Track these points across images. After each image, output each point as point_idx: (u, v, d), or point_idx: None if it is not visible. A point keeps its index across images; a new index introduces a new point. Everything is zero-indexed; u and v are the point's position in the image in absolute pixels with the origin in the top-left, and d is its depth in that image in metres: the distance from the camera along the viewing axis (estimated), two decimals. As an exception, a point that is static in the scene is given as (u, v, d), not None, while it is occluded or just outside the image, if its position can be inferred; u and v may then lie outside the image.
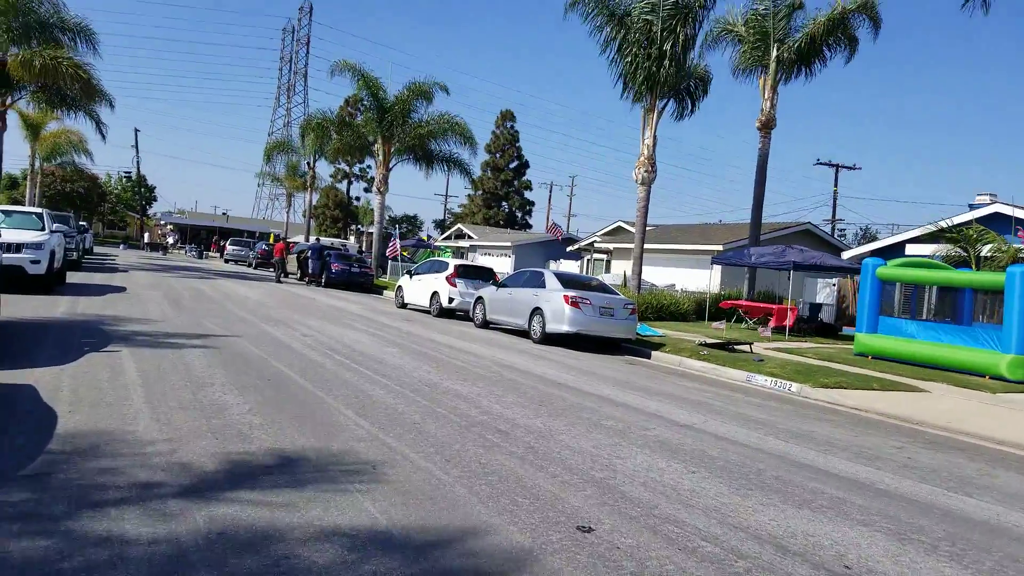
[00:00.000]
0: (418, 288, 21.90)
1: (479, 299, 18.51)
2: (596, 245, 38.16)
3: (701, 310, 23.72)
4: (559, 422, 7.23)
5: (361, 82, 35.31)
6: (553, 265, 48.69)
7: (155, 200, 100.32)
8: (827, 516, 4.84)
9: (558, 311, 15.13)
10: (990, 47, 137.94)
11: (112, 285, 20.17)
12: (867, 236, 53.97)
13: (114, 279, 22.79)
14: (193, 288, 21.76)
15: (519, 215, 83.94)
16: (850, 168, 52.60)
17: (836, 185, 52.02)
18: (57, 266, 18.23)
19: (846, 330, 22.51)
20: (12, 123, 44.47)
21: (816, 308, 22.49)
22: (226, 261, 51.03)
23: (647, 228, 28.08)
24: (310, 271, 32.30)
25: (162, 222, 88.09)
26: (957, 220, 21.09)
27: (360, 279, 30.97)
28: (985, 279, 14.32)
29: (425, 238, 71.67)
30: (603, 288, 16.69)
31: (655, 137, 23.57)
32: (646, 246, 32.89)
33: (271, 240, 60.89)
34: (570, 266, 46.24)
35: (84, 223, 44.59)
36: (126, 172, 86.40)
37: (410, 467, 5.17)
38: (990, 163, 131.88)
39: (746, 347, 15.22)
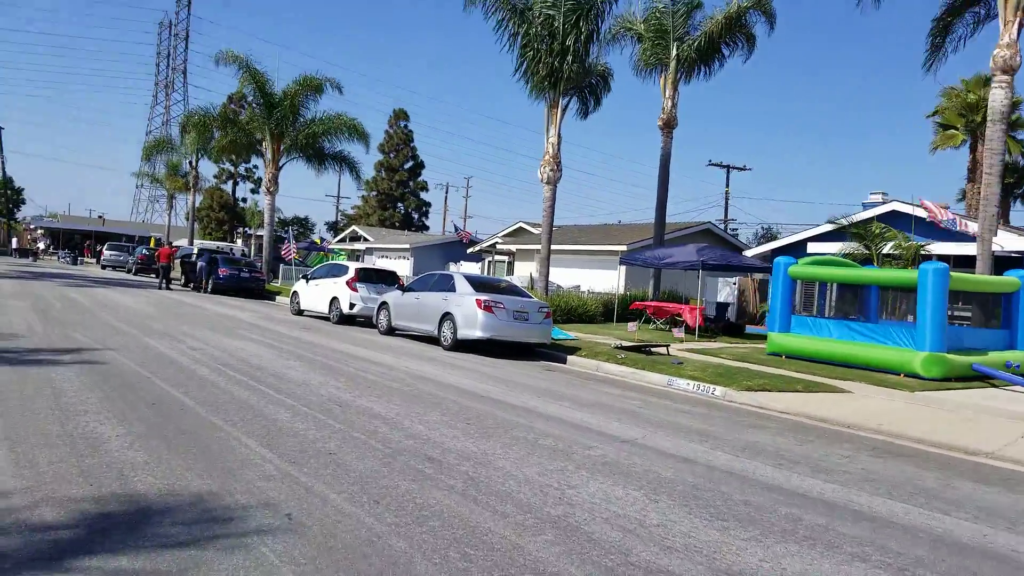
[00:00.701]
0: (316, 293, 20.66)
1: (383, 304, 17.53)
2: (499, 246, 37.64)
3: (609, 311, 23.52)
4: (494, 444, 6.50)
5: (247, 75, 33.40)
6: (453, 267, 47.86)
7: (23, 203, 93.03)
8: (818, 551, 4.33)
9: (470, 316, 14.39)
10: (877, 48, 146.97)
11: (-34, 296, 17.97)
12: (767, 235, 55.90)
13: (-31, 289, 20.41)
14: (65, 297, 19.73)
15: (416, 216, 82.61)
16: (740, 169, 54.37)
17: (728, 185, 53.65)
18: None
19: (750, 328, 22.85)
20: None
21: (723, 307, 22.72)
22: (103, 267, 47.46)
23: (558, 227, 27.99)
24: (197, 277, 30.25)
25: (32, 226, 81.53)
26: (857, 218, 21.72)
27: (250, 284, 29.21)
28: (899, 277, 14.59)
29: (318, 241, 69.27)
30: (515, 291, 16.08)
31: (559, 135, 23.19)
32: (552, 246, 32.72)
33: (152, 244, 57.33)
34: (471, 268, 45.56)
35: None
36: (-12, 172, 79.51)
37: (333, 513, 4.32)
38: (878, 163, 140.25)
39: (662, 349, 14.95)
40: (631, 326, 18.87)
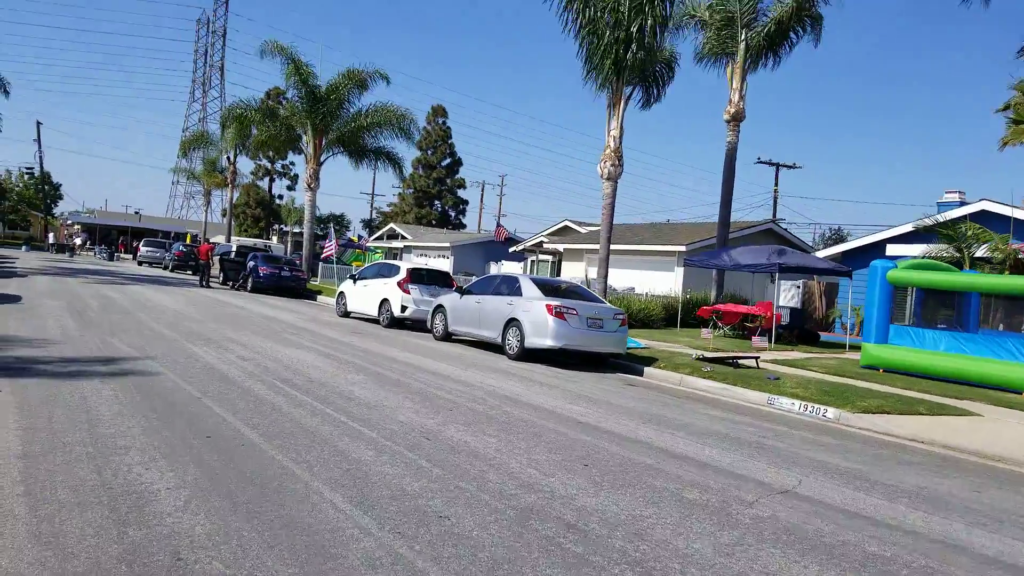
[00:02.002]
0: (364, 295, 19.50)
1: (439, 308, 16.30)
2: (545, 245, 36.28)
3: (671, 316, 22.10)
4: (634, 499, 5.19)
5: (291, 67, 32.44)
6: (494, 267, 46.64)
7: (61, 198, 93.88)
8: None
9: (540, 323, 13.09)
10: (932, 45, 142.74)
11: (5, 294, 17.09)
12: (834, 237, 53.66)
13: (8, 286, 19.58)
14: (102, 296, 18.81)
15: (452, 214, 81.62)
16: (790, 167, 52.42)
17: (776, 184, 51.73)
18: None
19: (824, 336, 21.27)
20: None
21: (796, 313, 21.14)
22: (140, 264, 46.99)
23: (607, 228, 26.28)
24: (239, 275, 29.37)
25: (69, 222, 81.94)
26: (942, 218, 20.03)
27: (291, 283, 28.24)
28: (1018, 283, 12.99)
29: (355, 239, 68.60)
30: (586, 295, 14.75)
31: (622, 128, 21.76)
32: (597, 245, 31.31)
33: (188, 240, 56.93)
34: (513, 267, 44.29)
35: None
36: (28, 168, 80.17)
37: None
38: (942, 161, 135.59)
39: (750, 361, 13.51)
40: (705, 333, 17.45)
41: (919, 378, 13.11)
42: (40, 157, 74.57)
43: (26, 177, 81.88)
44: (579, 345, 13.13)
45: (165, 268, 42.62)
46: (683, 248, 26.67)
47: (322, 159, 35.06)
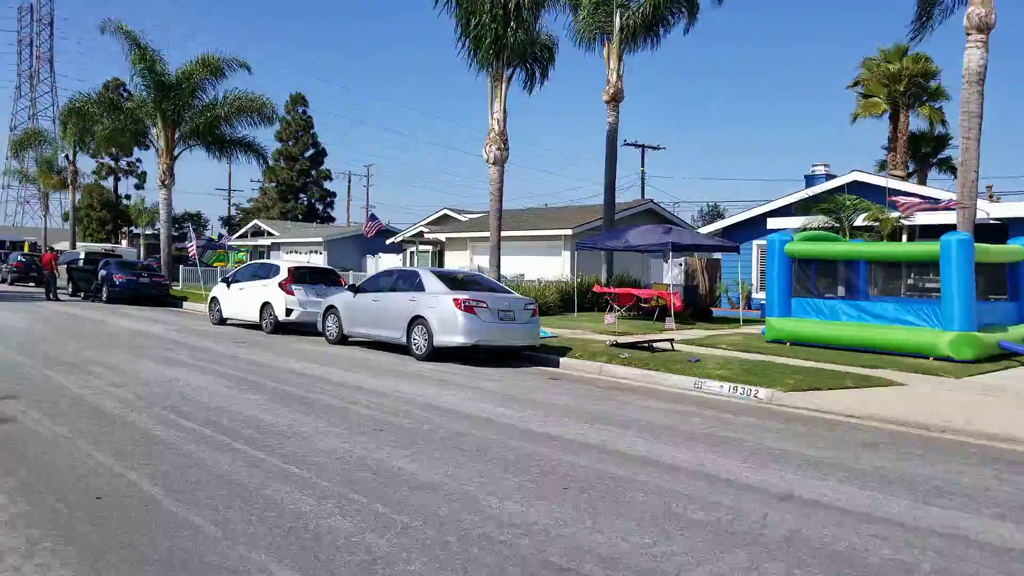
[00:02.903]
0: (241, 299, 17.88)
1: (331, 309, 15.06)
2: (425, 235, 35.18)
3: (566, 301, 21.75)
4: (636, 527, 4.49)
5: (136, 53, 29.55)
6: (371, 260, 45.02)
7: None
8: None
9: (448, 319, 12.21)
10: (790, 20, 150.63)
11: None
12: (712, 213, 55.31)
13: None
14: (-75, 320, 16.23)
15: (320, 207, 78.60)
16: (655, 148, 53.78)
17: (643, 165, 52.95)
18: None
19: (715, 312, 21.59)
20: None
21: (692, 291, 21.28)
22: (-30, 278, 41.96)
23: (484, 214, 25.18)
24: (90, 285, 26.57)
25: None
26: (817, 190, 20.70)
27: (152, 291, 25.81)
28: (918, 250, 13.36)
29: (216, 237, 64.64)
30: (493, 287, 14.01)
31: (505, 111, 21.11)
32: (484, 233, 30.61)
33: (27, 249, 51.55)
34: (391, 260, 42.93)
35: None
36: None
37: None
38: (798, 135, 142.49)
39: (664, 344, 13.23)
40: (609, 318, 17.15)
41: (825, 349, 13.27)
42: None
43: None
44: (492, 340, 12.37)
45: (3, 281, 38.28)
46: (570, 232, 26.44)
47: (176, 153, 32.31)
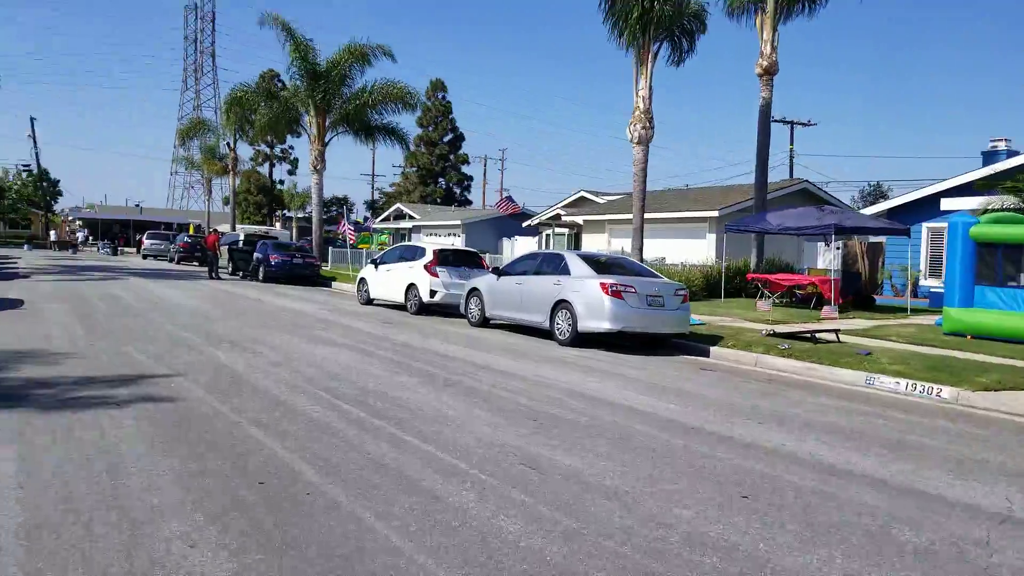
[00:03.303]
0: (388, 280, 18.26)
1: (474, 291, 15.05)
2: (563, 218, 34.87)
3: (710, 287, 20.81)
4: (831, 552, 3.98)
5: (291, 43, 30.92)
6: (507, 243, 45.28)
7: (60, 195, 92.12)
8: None
9: (594, 304, 11.83)
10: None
11: (6, 299, 15.89)
12: (874, 193, 51.88)
13: (11, 289, 18.39)
14: (110, 295, 17.60)
15: (457, 191, 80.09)
16: (805, 124, 50.85)
17: (792, 143, 50.13)
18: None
19: (881, 301, 19.98)
20: None
21: (852, 277, 19.77)
22: (144, 257, 45.80)
23: (622, 196, 24.33)
24: (249, 265, 28.17)
25: (70, 218, 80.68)
26: (1000, 168, 18.63)
27: (304, 271, 27.01)
28: None
29: (361, 220, 67.18)
30: (641, 270, 13.50)
31: (650, 88, 20.36)
32: (623, 216, 29.90)
33: (191, 231, 55.65)
34: (527, 243, 42.97)
35: (-26, 224, 38.74)
36: (25, 166, 78.76)
37: None
38: (969, 112, 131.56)
39: (828, 334, 12.26)
40: (762, 304, 16.19)
41: (1016, 344, 11.85)
42: (36, 153, 73.21)
43: (24, 175, 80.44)
44: (640, 327, 11.89)
45: (170, 261, 41.47)
46: (716, 214, 25.30)
47: (327, 139, 33.64)
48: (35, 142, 71.67)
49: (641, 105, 20.34)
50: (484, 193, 77.96)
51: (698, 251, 25.70)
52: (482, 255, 19.16)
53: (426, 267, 16.89)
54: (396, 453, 5.26)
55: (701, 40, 21.54)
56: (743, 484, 4.98)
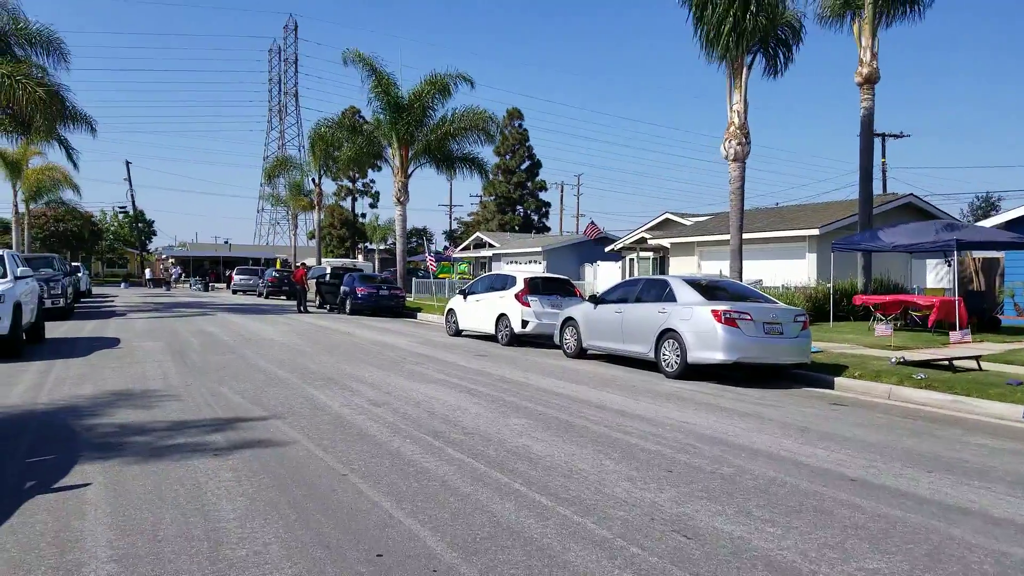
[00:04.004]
0: (477, 310, 17.78)
1: (569, 320, 14.37)
2: (648, 241, 33.89)
3: (815, 310, 19.54)
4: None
5: (373, 79, 31.21)
6: (589, 268, 44.52)
7: (155, 234, 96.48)
8: None
9: (706, 333, 10.96)
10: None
11: (103, 338, 16.13)
12: (987, 204, 49.21)
13: (107, 328, 18.76)
14: (202, 332, 17.68)
15: (535, 218, 79.85)
16: (897, 136, 48.60)
17: (884, 156, 47.83)
18: (30, 320, 14.27)
19: (1005, 321, 18.33)
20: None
21: (976, 296, 18.22)
22: (234, 292, 46.96)
23: (710, 217, 23.13)
24: (337, 298, 28.30)
25: (163, 256, 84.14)
26: None
27: (390, 303, 26.92)
28: None
29: (442, 250, 67.58)
30: (754, 295, 12.56)
31: (745, 102, 19.41)
32: (713, 237, 28.77)
33: (278, 265, 56.96)
34: (610, 268, 42.14)
35: (77, 264, 40.46)
36: (121, 207, 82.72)
37: None
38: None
39: (969, 362, 11.04)
40: (881, 328, 14.93)
41: None
42: (132, 195, 76.68)
43: (120, 216, 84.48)
44: (756, 357, 10.94)
45: (259, 295, 42.30)
46: (816, 232, 23.95)
47: (409, 171, 33.74)
48: (130, 184, 75.02)
49: (736, 120, 19.41)
50: (561, 219, 77.50)
51: (797, 272, 24.38)
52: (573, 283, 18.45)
53: (517, 296, 16.33)
54: (529, 517, 4.59)
55: (794, 50, 20.55)
56: (965, 562, 4.09)
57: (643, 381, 11.13)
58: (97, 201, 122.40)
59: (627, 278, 37.89)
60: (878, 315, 17.88)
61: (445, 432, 7.02)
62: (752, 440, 7.07)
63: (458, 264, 57.72)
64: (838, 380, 11.10)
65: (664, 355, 11.64)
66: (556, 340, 14.78)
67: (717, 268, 25.49)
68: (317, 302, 31.00)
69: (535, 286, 16.63)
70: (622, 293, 13.52)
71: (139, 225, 79.79)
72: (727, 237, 26.99)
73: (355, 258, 68.22)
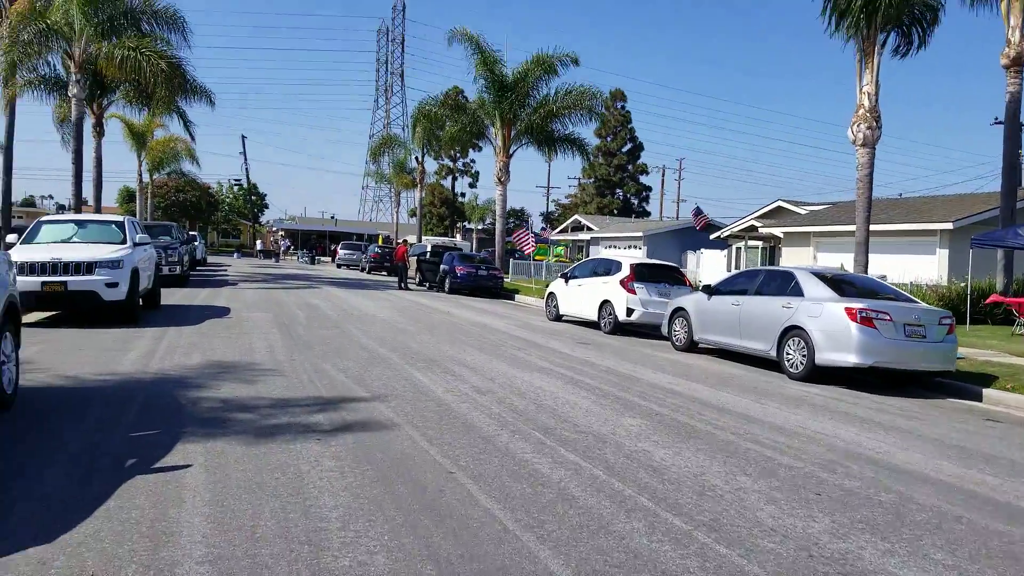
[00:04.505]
0: (579, 296, 17.17)
1: (679, 311, 13.59)
2: (760, 230, 32.30)
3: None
4: None
5: (478, 57, 30.86)
6: (692, 256, 43.07)
7: (267, 207, 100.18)
8: None
9: (838, 332, 10.00)
10: None
11: (214, 306, 16.49)
12: None
13: (219, 296, 19.25)
14: (308, 305, 17.84)
15: (635, 202, 78.32)
16: (1038, 125, 44.51)
17: (1021, 147, 43.98)
18: (147, 286, 14.63)
19: None
20: (117, 133, 42.95)
21: None
22: (339, 266, 48.03)
23: (827, 206, 21.47)
24: (436, 275, 28.30)
25: (274, 228, 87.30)
26: None
27: (488, 283, 26.65)
28: None
29: (539, 232, 67.17)
30: (890, 292, 11.46)
31: (877, 83, 17.91)
32: (831, 228, 27.09)
33: (380, 242, 57.97)
34: (715, 256, 40.63)
35: (194, 233, 42.23)
36: (236, 180, 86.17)
37: None
38: None
39: None
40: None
41: None
42: (246, 169, 79.80)
43: (235, 188, 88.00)
44: (895, 362, 9.91)
45: (362, 270, 43.06)
46: (950, 226, 22.10)
47: (511, 151, 33.32)
48: (245, 158, 78.20)
49: (866, 103, 17.94)
50: (662, 204, 75.68)
51: (924, 268, 22.58)
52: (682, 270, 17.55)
53: (622, 283, 15.62)
54: (664, 543, 4.01)
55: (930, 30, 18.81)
56: None
57: (765, 382, 10.29)
58: (213, 173, 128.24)
59: (735, 268, 36.43)
60: (1023, 319, 16.24)
61: (556, 429, 6.50)
62: (905, 460, 6.23)
63: (555, 246, 57.21)
64: (987, 392, 9.94)
65: (788, 354, 10.74)
66: (664, 331, 14.03)
67: (836, 261, 23.93)
68: (416, 279, 31.14)
69: (641, 273, 15.88)
70: (740, 284, 12.63)
71: (252, 198, 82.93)
72: (848, 228, 25.35)
73: (453, 237, 68.76)
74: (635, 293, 15.42)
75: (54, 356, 9.22)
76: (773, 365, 11.34)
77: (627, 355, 12.27)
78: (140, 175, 48.42)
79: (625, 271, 15.82)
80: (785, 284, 11.40)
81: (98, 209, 27.73)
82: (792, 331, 10.71)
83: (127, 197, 65.51)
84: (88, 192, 27.57)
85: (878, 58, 17.88)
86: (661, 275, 16.19)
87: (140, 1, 24.13)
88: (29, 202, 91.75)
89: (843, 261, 21.94)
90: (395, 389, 7.96)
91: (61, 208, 69.36)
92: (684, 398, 8.51)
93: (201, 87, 27.16)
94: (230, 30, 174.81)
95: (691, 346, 13.22)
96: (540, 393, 8.15)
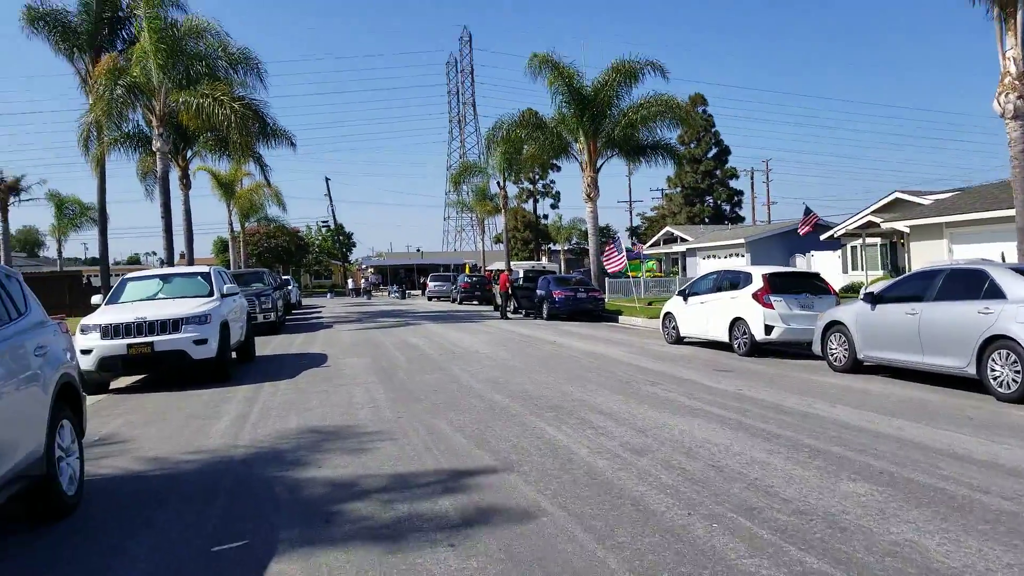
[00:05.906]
0: (702, 314, 15.33)
1: (834, 325, 11.62)
2: (882, 226, 29.44)
3: None
4: None
5: (554, 74, 29.53)
6: (801, 259, 40.25)
7: (354, 246, 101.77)
8: None
9: (1066, 341, 7.93)
10: None
11: (310, 353, 15.54)
12: None
13: (314, 341, 18.39)
14: (406, 344, 16.66)
15: (727, 208, 75.19)
16: None
17: None
18: (239, 339, 13.76)
19: None
20: (205, 185, 43.69)
21: None
22: (429, 299, 47.32)
23: (952, 193, 19.04)
24: (532, 301, 26.90)
25: (363, 266, 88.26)
26: None
27: (588, 306, 25.02)
28: None
29: (629, 247, 65.09)
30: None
31: (1023, 44, 15.51)
32: (972, 215, 24.24)
33: (467, 270, 57.18)
34: (827, 258, 37.81)
35: (287, 277, 42.30)
36: (324, 222, 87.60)
37: None
38: None
39: None
40: None
41: None
42: (332, 210, 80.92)
43: (323, 230, 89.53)
44: None
45: (453, 301, 42.13)
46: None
47: (598, 165, 31.73)
48: (331, 199, 79.28)
49: (1013, 69, 15.52)
50: (753, 208, 72.23)
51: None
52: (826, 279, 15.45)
53: (756, 296, 13.73)
54: None
55: None
56: None
57: (974, 408, 8.28)
58: (302, 217, 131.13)
59: (851, 269, 33.58)
60: None
61: (761, 508, 4.83)
62: None
63: (646, 261, 54.98)
64: None
65: (994, 372, 8.68)
66: (816, 349, 12.07)
67: (978, 253, 21.20)
68: (512, 307, 29.81)
69: (777, 283, 13.94)
70: (912, 288, 10.57)
71: (340, 238, 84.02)
72: (991, 215, 22.57)
73: (539, 260, 67.42)
74: (773, 307, 13.49)
75: (137, 429, 8.18)
76: (969, 384, 9.29)
77: (781, 383, 10.42)
78: (231, 224, 49.23)
79: (758, 283, 13.93)
80: (976, 284, 9.34)
81: (191, 261, 27.65)
82: (996, 341, 8.66)
83: (222, 247, 67.13)
84: (181, 245, 27.54)
85: (1022, 18, 15.52)
86: (800, 284, 14.21)
87: (217, 49, 23.91)
88: (135, 260, 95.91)
89: (1004, 250, 19.26)
90: (527, 452, 6.47)
91: (162, 263, 71.88)
92: (895, 441, 6.66)
93: (281, 130, 26.79)
94: (306, 75, 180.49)
95: (854, 365, 11.22)
96: (712, 450, 6.47)
